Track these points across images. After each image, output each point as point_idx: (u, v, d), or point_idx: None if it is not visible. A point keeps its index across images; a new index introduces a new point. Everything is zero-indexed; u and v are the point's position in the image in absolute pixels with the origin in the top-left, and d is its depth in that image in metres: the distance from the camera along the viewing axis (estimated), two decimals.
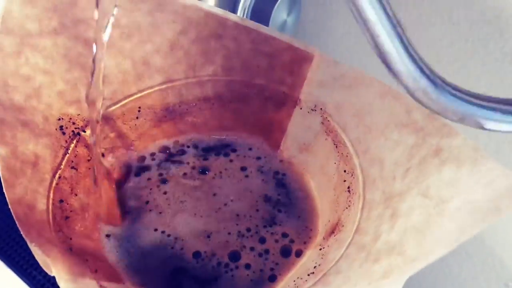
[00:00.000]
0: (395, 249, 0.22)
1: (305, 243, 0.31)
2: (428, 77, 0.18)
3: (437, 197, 0.23)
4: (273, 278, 0.29)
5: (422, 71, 0.18)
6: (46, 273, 0.42)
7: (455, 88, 0.19)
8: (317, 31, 0.50)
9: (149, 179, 0.35)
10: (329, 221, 0.31)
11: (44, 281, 0.42)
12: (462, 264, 0.55)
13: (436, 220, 0.22)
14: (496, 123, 0.19)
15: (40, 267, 0.42)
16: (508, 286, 0.52)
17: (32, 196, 0.27)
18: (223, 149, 0.36)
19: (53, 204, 0.29)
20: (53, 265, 0.23)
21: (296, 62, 0.34)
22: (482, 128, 0.19)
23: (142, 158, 0.36)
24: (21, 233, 0.24)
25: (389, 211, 0.25)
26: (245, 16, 0.41)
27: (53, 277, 0.43)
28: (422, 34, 0.42)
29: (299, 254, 0.30)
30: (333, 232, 0.29)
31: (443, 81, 0.19)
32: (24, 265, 0.42)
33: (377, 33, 0.18)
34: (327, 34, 0.50)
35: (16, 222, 0.24)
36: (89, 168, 0.32)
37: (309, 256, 0.30)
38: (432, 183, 0.24)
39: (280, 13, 0.43)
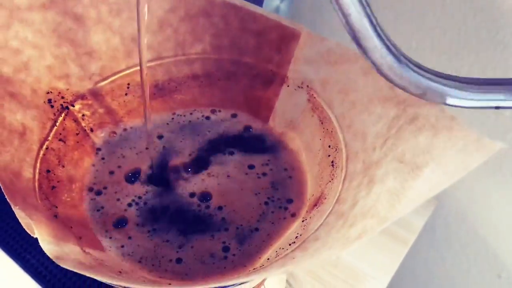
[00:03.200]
0: (369, 212, 0.23)
1: (292, 216, 0.31)
2: (393, 54, 0.20)
3: (413, 163, 0.23)
4: (256, 250, 0.30)
5: (388, 48, 0.20)
6: (39, 258, 0.43)
7: (418, 65, 0.21)
8: (310, 17, 0.51)
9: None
10: (313, 195, 0.31)
11: (38, 265, 0.42)
12: (455, 255, 0.55)
13: (411, 184, 0.22)
14: (455, 99, 0.21)
15: (34, 252, 0.42)
16: (500, 277, 0.52)
17: (18, 164, 0.28)
18: (212, 126, 0.37)
19: (39, 173, 0.29)
20: (36, 227, 0.23)
21: (284, 40, 0.34)
22: (443, 102, 0.21)
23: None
24: (6, 197, 0.24)
25: (366, 179, 0.26)
26: None
27: (47, 261, 0.43)
28: (416, 23, 0.43)
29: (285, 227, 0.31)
30: (316, 205, 0.30)
31: (407, 58, 0.21)
32: (18, 249, 0.42)
33: (348, 12, 0.20)
34: (320, 20, 0.50)
35: (1, 187, 0.25)
36: (78, 142, 0.33)
37: (293, 228, 0.30)
38: (408, 149, 0.24)
39: None
